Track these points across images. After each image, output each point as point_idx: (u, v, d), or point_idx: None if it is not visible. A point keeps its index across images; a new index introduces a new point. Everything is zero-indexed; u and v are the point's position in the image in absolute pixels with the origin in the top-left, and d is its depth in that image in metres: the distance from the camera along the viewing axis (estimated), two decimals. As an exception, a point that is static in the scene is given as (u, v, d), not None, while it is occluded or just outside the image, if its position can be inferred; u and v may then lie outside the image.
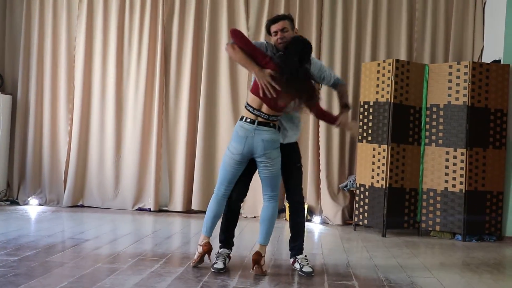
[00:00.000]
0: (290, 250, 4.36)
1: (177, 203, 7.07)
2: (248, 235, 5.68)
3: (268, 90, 3.86)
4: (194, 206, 7.01)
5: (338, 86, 4.29)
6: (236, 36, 3.95)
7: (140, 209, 7.12)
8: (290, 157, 4.22)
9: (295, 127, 4.24)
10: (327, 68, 4.29)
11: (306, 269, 4.12)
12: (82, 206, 7.17)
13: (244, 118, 4.01)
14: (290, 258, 4.34)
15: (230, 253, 4.34)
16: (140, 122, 7.12)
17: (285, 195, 4.32)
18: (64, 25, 7.21)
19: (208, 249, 4.17)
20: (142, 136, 7.13)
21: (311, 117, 6.89)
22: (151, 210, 7.06)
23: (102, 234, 5.45)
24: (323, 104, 4.36)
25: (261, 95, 3.94)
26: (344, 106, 4.23)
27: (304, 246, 4.35)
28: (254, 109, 3.98)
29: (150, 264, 4.23)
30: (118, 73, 7.16)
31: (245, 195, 4.34)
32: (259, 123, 3.96)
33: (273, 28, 4.09)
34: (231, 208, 4.29)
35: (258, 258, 4.06)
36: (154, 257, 4.49)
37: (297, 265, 4.21)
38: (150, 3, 7.12)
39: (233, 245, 4.39)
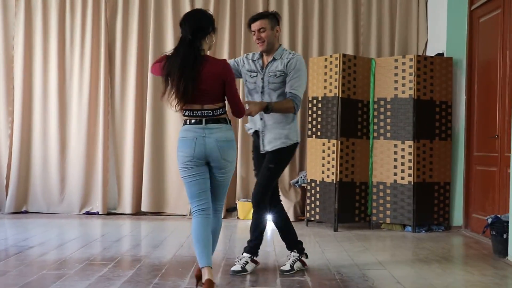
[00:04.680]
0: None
1: (126, 205, 6.93)
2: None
3: None
4: (144, 208, 6.90)
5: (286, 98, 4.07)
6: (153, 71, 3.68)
7: (88, 213, 6.95)
8: (266, 161, 4.09)
9: (280, 133, 4.07)
10: (299, 81, 4.05)
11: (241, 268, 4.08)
12: (26, 212, 6.95)
13: (188, 120, 3.51)
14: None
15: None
16: (85, 123, 6.94)
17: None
18: (0, 24, 6.95)
19: (196, 276, 3.56)
20: (87, 138, 6.95)
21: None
22: (99, 213, 6.91)
23: (48, 240, 5.28)
24: None
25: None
26: (266, 107, 3.93)
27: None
28: (194, 110, 3.48)
29: (98, 269, 4.12)
30: (60, 73, 6.96)
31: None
32: (207, 121, 3.48)
33: (252, 27, 4.06)
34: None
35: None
36: (103, 261, 4.38)
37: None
38: (92, 0, 6.93)
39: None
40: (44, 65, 6.97)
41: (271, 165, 4.06)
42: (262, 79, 4.10)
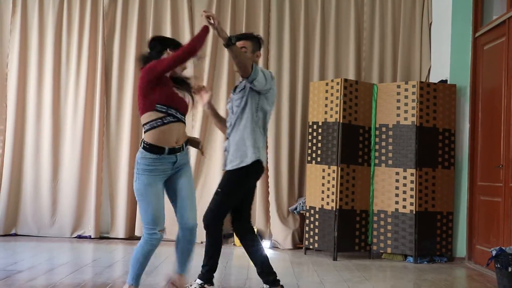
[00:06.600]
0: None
1: (119, 230, 6.77)
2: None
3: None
4: (137, 232, 6.74)
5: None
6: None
7: (80, 237, 6.78)
8: (219, 183, 4.06)
9: (235, 153, 3.98)
10: None
11: None
12: (16, 235, 6.77)
13: None
14: None
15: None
16: (79, 144, 6.81)
17: None
18: (-5, 40, 6.88)
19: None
20: (81, 159, 6.81)
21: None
22: (91, 237, 6.74)
23: (37, 264, 5.13)
24: None
25: None
26: (229, 38, 3.68)
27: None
28: None
29: (89, 296, 3.96)
30: (55, 92, 6.85)
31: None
32: None
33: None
34: None
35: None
36: (94, 287, 4.24)
37: None
38: (90, 19, 6.87)
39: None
40: (38, 83, 6.86)
41: (219, 189, 3.98)
42: (232, 99, 4.12)
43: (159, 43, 3.62)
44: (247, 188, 4.08)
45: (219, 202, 3.96)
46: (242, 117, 3.98)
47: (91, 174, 6.81)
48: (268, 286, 4.00)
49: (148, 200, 3.43)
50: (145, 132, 3.45)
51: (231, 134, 4.03)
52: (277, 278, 4.02)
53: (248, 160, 3.91)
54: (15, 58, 6.83)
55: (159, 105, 3.41)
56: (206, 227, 4.00)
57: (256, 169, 3.98)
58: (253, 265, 4.10)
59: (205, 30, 3.52)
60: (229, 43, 3.65)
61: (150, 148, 3.41)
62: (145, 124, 3.44)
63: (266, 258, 4.05)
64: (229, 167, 3.98)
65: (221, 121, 4.28)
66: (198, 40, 3.46)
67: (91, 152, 6.83)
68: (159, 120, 3.41)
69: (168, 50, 3.56)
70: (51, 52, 6.84)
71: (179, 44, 3.62)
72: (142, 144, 3.44)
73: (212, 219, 3.96)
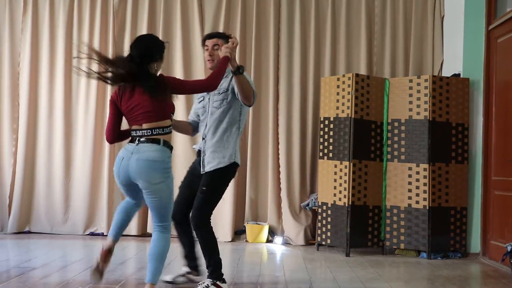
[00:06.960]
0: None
1: (132, 227, 6.75)
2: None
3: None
4: (150, 229, 6.73)
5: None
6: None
7: (92, 234, 6.79)
8: (201, 183, 4.06)
9: (213, 155, 4.04)
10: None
11: None
12: (29, 232, 6.80)
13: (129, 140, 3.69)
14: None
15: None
16: (91, 142, 6.81)
17: None
18: (7, 40, 6.88)
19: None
20: (93, 156, 6.82)
21: (270, 135, 6.73)
22: (104, 234, 6.72)
23: (51, 261, 5.13)
24: None
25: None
26: (238, 67, 3.85)
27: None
28: (135, 130, 3.60)
29: (101, 293, 3.96)
30: (66, 90, 6.86)
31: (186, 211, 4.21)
32: (141, 141, 3.54)
33: (206, 43, 4.10)
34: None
35: None
36: (107, 284, 4.24)
37: None
38: (100, 17, 6.87)
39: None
40: (50, 82, 6.87)
41: (204, 187, 4.01)
42: (209, 99, 4.11)
43: (162, 51, 3.69)
44: (227, 185, 4.16)
45: (206, 200, 4.00)
46: (223, 120, 4.04)
47: (103, 171, 6.81)
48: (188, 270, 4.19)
49: (173, 196, 3.61)
50: (165, 134, 3.59)
51: (207, 135, 4.08)
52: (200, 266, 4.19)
53: (226, 161, 4.01)
54: (27, 57, 6.84)
55: (172, 114, 3.68)
56: (196, 226, 4.03)
57: (232, 170, 4.08)
58: (182, 247, 4.30)
59: (225, 61, 3.73)
60: (237, 72, 3.81)
61: (171, 148, 3.61)
62: (167, 127, 3.61)
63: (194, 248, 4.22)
64: (207, 169, 4.02)
65: (183, 125, 4.36)
66: (220, 74, 3.68)
67: (103, 149, 6.83)
68: (172, 126, 3.69)
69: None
70: (62, 51, 6.85)
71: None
72: (166, 144, 3.58)
73: (200, 217, 3.99)
